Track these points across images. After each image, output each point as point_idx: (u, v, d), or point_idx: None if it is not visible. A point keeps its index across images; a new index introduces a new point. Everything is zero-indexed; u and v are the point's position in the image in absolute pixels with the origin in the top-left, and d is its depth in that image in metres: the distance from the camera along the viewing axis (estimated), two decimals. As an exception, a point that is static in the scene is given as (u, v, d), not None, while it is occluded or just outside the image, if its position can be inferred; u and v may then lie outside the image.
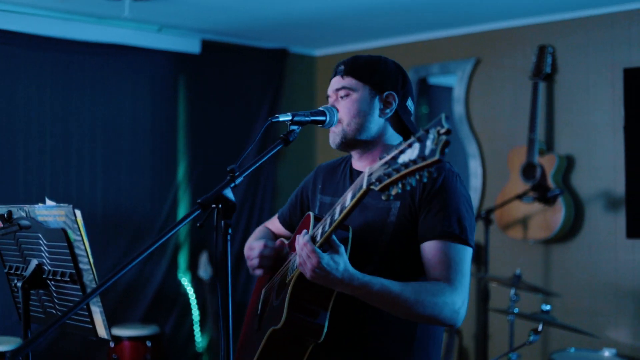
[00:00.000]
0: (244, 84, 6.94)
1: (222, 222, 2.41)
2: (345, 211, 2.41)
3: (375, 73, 2.79)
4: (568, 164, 5.72)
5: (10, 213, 2.83)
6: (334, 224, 2.46)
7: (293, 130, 2.70)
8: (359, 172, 2.86)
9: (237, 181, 2.48)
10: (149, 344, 5.76)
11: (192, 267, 6.60)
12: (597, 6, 5.57)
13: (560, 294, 5.53)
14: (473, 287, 6.12)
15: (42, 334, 2.09)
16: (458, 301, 2.57)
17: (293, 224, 3.17)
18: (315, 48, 7.37)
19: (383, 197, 2.20)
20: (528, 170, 5.72)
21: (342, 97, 2.79)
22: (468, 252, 2.64)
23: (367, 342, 2.72)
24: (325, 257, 2.44)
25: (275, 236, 3.28)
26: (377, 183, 2.21)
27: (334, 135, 2.80)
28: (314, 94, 7.46)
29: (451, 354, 5.85)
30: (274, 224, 3.31)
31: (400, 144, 2.20)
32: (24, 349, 2.07)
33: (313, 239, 2.53)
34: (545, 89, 5.84)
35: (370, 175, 2.28)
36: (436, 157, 2.03)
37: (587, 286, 5.68)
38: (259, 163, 2.60)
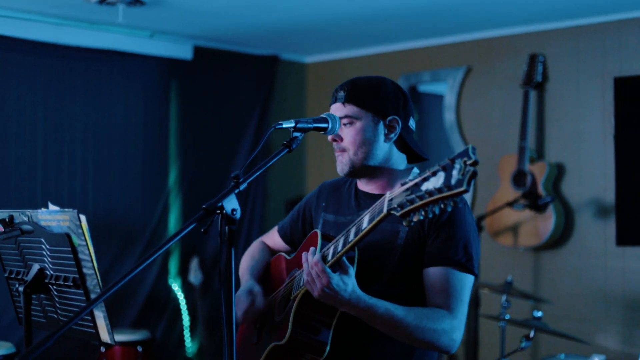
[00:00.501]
0: (235, 90, 6.95)
1: (227, 228, 2.42)
2: (361, 234, 2.44)
3: (377, 98, 2.78)
4: (558, 172, 5.76)
5: (11, 217, 2.83)
6: (348, 245, 2.48)
7: (296, 137, 2.70)
8: (366, 194, 2.88)
9: (242, 187, 2.48)
10: (140, 349, 5.75)
11: (183, 273, 6.61)
12: (588, 15, 5.62)
13: (550, 300, 5.57)
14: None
15: (50, 339, 2.09)
16: (456, 329, 2.62)
17: (294, 239, 3.19)
18: (305, 55, 7.39)
19: (404, 223, 2.23)
20: (519, 177, 5.76)
21: (345, 125, 2.77)
22: (470, 280, 2.68)
23: (366, 358, 2.75)
24: (335, 278, 2.48)
25: (272, 252, 3.30)
26: (399, 209, 2.23)
27: (342, 165, 2.80)
28: (305, 100, 7.48)
29: (441, 360, 5.87)
30: (272, 238, 3.32)
31: (424, 171, 2.23)
32: (31, 353, 2.07)
33: (323, 258, 2.55)
34: (536, 97, 5.88)
35: (390, 200, 2.30)
36: (463, 187, 2.07)
37: (577, 293, 5.73)
38: (263, 169, 2.60)
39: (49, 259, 2.73)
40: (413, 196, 2.19)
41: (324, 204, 3.05)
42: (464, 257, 2.64)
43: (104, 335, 2.65)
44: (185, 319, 6.60)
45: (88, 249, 2.56)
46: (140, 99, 6.42)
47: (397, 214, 2.24)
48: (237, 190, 2.46)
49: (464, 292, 2.65)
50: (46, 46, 5.83)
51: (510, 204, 5.69)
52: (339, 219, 2.90)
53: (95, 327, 2.67)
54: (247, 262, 3.22)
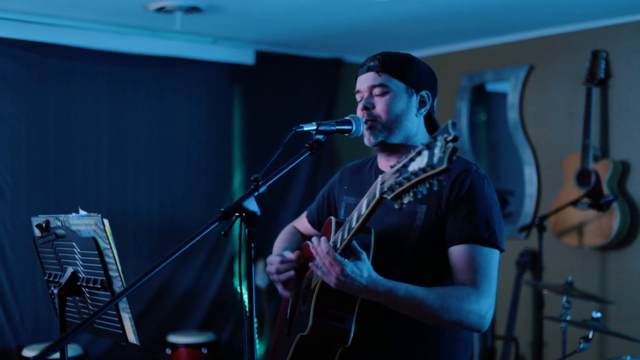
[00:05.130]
0: (298, 93, 7.00)
1: (247, 230, 2.46)
2: (361, 219, 2.42)
3: (412, 71, 2.77)
4: (623, 170, 5.64)
5: (47, 222, 2.92)
6: (351, 232, 2.47)
7: (318, 139, 2.73)
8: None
9: (261, 190, 2.51)
10: (204, 350, 5.84)
11: (249, 275, 6.65)
12: (650, 10, 5.51)
13: (616, 301, 5.46)
14: (529, 295, 6.08)
15: (65, 339, 2.15)
16: (484, 306, 2.57)
17: (321, 223, 3.19)
18: (370, 57, 7.38)
19: (396, 206, 2.20)
20: (582, 176, 5.66)
21: (377, 95, 2.76)
22: (496, 255, 2.63)
23: (394, 345, 2.73)
24: (349, 265, 2.45)
25: (302, 236, 3.33)
26: (390, 192, 2.21)
27: (371, 135, 2.76)
28: (370, 102, 7.47)
29: (507, 362, 5.81)
30: (302, 223, 3.35)
31: (410, 151, 2.20)
32: (47, 353, 2.12)
33: (334, 246, 2.55)
34: (599, 95, 5.77)
35: (382, 183, 2.28)
36: (444, 165, 2.03)
37: (644, 293, 5.61)
38: (283, 172, 2.63)
39: (81, 262, 2.81)
40: (401, 178, 2.17)
41: (345, 187, 3.05)
42: (487, 232, 2.60)
43: (130, 336, 2.70)
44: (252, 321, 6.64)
45: (112, 252, 2.62)
46: (204, 105, 6.51)
47: (389, 197, 2.22)
48: (256, 193, 2.49)
49: (489, 268, 2.60)
50: (109, 55, 5.96)
51: (574, 203, 5.60)
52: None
53: (122, 328, 2.72)
54: (280, 245, 3.26)
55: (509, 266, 6.08)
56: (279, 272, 2.94)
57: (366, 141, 2.81)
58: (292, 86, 6.95)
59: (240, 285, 2.42)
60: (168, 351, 5.87)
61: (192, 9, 5.37)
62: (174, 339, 5.92)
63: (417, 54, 6.91)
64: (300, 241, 3.26)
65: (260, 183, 2.51)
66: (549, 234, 5.86)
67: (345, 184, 3.07)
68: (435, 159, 2.05)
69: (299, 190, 6.89)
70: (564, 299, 5.00)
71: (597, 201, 5.51)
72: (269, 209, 6.80)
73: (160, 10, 5.38)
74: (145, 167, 6.20)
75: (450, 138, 2.03)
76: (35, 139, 5.71)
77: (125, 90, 6.11)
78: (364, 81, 2.79)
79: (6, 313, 5.52)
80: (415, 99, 2.78)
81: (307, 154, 2.70)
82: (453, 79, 6.77)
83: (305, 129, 2.69)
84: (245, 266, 2.48)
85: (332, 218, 2.76)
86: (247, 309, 2.49)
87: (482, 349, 6.20)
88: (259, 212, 2.46)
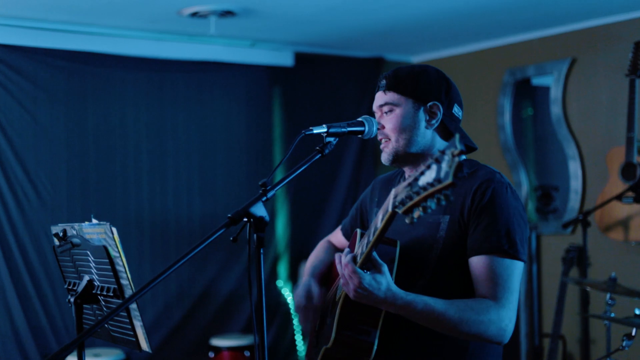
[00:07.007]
0: (339, 94, 6.96)
1: (255, 235, 2.46)
2: (377, 233, 2.40)
3: (417, 85, 2.75)
4: (669, 163, 5.52)
5: (65, 231, 2.94)
6: (369, 245, 2.46)
7: (329, 142, 2.73)
8: None
9: (269, 195, 2.51)
10: (247, 353, 5.85)
11: (293, 277, 6.66)
12: (692, -2, 5.38)
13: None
14: (576, 292, 5.98)
15: (72, 345, 2.15)
16: (505, 318, 2.54)
17: None
18: (411, 55, 7.33)
19: (407, 221, 2.17)
20: (627, 170, 5.54)
21: (386, 113, 2.78)
22: (517, 266, 2.59)
23: (419, 356, 2.70)
24: (367, 277, 2.45)
25: (336, 250, 3.30)
26: (401, 206, 2.19)
27: (385, 154, 2.79)
28: (413, 101, 7.40)
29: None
30: (337, 237, 3.34)
31: (420, 166, 2.18)
32: (57, 358, 2.13)
33: (354, 258, 2.53)
34: (642, 86, 5.65)
35: (395, 197, 2.26)
36: (449, 180, 2.00)
37: (693, 289, 5.46)
38: (293, 176, 2.64)
39: (95, 271, 2.82)
40: (411, 192, 2.14)
41: (376, 200, 3.04)
42: (507, 243, 2.56)
43: (143, 344, 2.71)
44: (297, 323, 6.65)
45: (122, 260, 2.63)
46: (243, 108, 6.52)
47: (400, 212, 2.19)
48: (264, 198, 2.49)
49: (511, 280, 2.57)
50: (147, 61, 6.01)
51: (618, 197, 5.48)
52: None
53: (135, 335, 2.73)
54: (311, 261, 3.26)
55: (556, 263, 5.98)
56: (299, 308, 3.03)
57: (383, 160, 2.82)
58: (332, 87, 6.92)
59: (250, 292, 2.41)
60: (211, 354, 5.90)
61: (226, 13, 5.38)
62: (217, 342, 5.95)
63: (458, 50, 6.89)
64: (333, 255, 3.26)
65: (268, 188, 2.51)
66: (594, 229, 5.75)
67: (376, 196, 3.06)
68: (442, 174, 2.03)
69: (342, 193, 6.87)
70: (608, 295, 4.90)
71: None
72: (312, 211, 6.79)
73: (194, 15, 5.41)
74: (186, 172, 6.22)
75: (456, 152, 2.00)
76: (75, 147, 5.78)
77: (164, 96, 6.15)
78: (375, 101, 2.84)
79: (49, 319, 5.60)
80: (423, 112, 2.75)
81: (317, 156, 2.69)
82: (495, 75, 6.68)
83: (315, 131, 2.69)
84: (256, 271, 2.47)
85: (358, 230, 2.76)
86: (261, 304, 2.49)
87: (529, 347, 6.11)
88: (267, 217, 2.47)
